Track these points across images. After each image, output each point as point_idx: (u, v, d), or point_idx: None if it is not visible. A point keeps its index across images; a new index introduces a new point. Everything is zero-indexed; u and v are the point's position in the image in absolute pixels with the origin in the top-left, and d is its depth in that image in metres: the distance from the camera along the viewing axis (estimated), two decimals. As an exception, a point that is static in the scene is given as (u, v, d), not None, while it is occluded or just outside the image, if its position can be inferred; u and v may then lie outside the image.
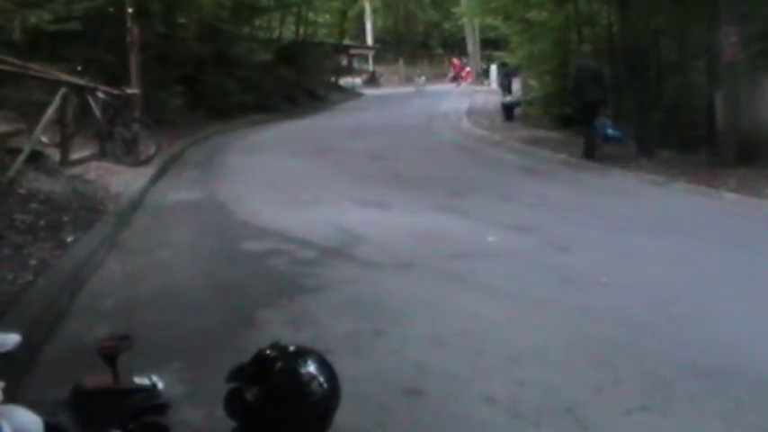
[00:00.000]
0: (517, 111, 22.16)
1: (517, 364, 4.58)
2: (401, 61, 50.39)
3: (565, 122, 15.88)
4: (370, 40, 48.34)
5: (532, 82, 23.08)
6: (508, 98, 23.00)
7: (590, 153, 13.75)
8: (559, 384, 4.25)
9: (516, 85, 24.43)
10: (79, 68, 13.26)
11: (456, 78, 44.32)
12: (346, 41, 42.34)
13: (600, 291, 6.03)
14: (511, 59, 24.75)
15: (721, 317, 5.35)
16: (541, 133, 18.14)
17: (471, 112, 24.83)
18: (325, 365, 1.98)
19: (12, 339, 2.46)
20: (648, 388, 4.17)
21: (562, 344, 4.91)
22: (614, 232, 8.27)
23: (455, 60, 46.21)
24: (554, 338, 4.99)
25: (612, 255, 7.23)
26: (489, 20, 26.62)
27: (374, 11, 50.26)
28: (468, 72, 45.17)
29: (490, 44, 37.94)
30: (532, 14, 20.53)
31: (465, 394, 4.19)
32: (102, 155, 12.45)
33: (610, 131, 13.91)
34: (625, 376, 4.33)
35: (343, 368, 2.01)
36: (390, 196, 10.52)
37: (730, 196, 10.27)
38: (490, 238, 7.93)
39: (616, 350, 4.72)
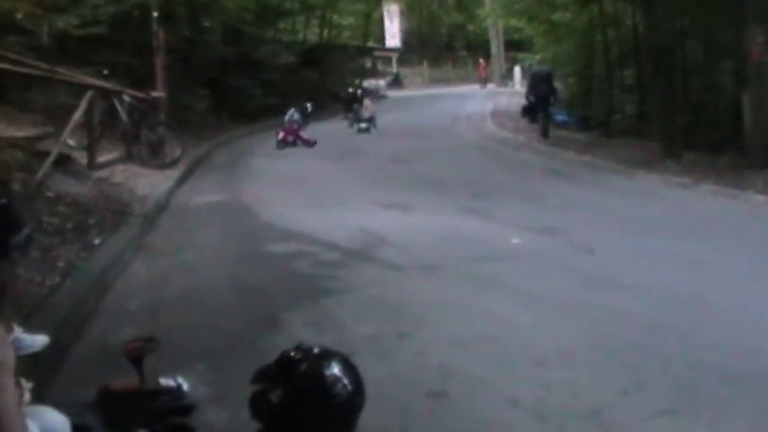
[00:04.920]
0: None
1: (541, 366, 4.56)
2: (425, 63, 50.36)
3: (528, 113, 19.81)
4: (388, 43, 48.25)
5: (557, 83, 22.99)
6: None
7: (545, 133, 17.95)
8: (584, 387, 4.22)
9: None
10: (105, 72, 13.37)
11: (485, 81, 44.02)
12: (370, 44, 42.37)
13: (625, 293, 5.98)
14: (534, 61, 24.68)
15: (749, 320, 5.29)
16: (565, 135, 18.06)
17: (495, 114, 24.77)
18: (349, 367, 1.99)
19: (40, 340, 2.51)
20: (675, 392, 4.14)
21: (587, 347, 4.88)
22: (640, 235, 8.20)
23: (482, 62, 46.09)
24: (578, 341, 4.97)
25: (638, 257, 7.17)
26: (513, 21, 26.53)
27: (401, 13, 50.13)
28: (483, 67, 45.14)
29: (514, 46, 37.85)
30: (557, 16, 20.48)
31: (489, 397, 4.18)
32: (128, 158, 12.55)
33: (559, 117, 19.60)
34: (651, 380, 4.30)
35: (367, 371, 2.02)
36: (414, 198, 10.52)
37: (758, 198, 10.16)
38: (514, 241, 7.90)
39: (641, 353, 4.69)
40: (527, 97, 19.29)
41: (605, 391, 4.16)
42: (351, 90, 26.26)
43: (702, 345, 4.81)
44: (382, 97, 35.64)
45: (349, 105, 23.94)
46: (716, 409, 3.95)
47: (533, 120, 21.56)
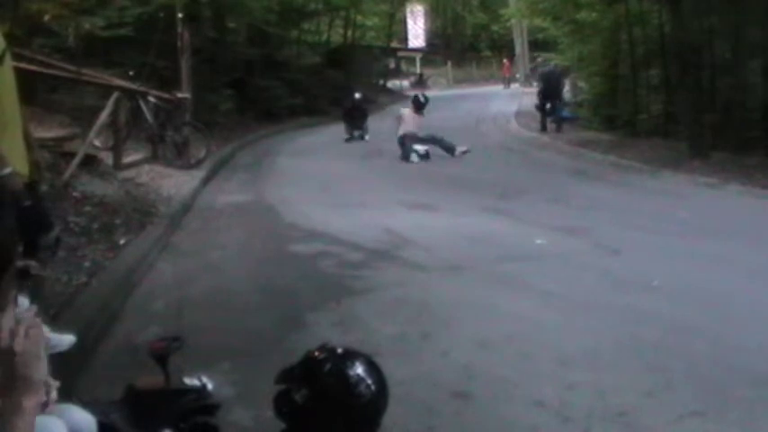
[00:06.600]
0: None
1: (566, 367, 4.52)
2: (449, 64, 50.30)
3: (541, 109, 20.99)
4: (412, 43, 48.28)
5: (582, 83, 22.86)
6: None
7: (544, 127, 19.93)
8: (610, 388, 4.18)
9: (565, 86, 24.27)
10: (131, 73, 13.49)
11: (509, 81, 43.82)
12: (394, 44, 42.37)
13: (651, 294, 5.93)
14: (560, 61, 24.56)
15: (777, 321, 5.22)
16: (591, 135, 17.95)
17: (519, 114, 24.69)
18: (373, 368, 1.99)
19: (67, 340, 2.52)
20: (702, 393, 4.09)
21: (612, 347, 4.84)
22: (666, 235, 8.13)
23: (506, 62, 45.96)
24: (604, 342, 4.93)
25: (664, 258, 7.10)
26: (538, 21, 26.41)
27: (425, 13, 50.16)
28: (507, 67, 44.97)
29: (539, 45, 37.65)
30: (582, 15, 20.36)
31: (514, 398, 4.15)
32: (153, 158, 12.64)
33: (564, 114, 20.56)
34: (677, 381, 4.25)
35: (391, 371, 2.01)
36: (438, 199, 10.50)
37: (786, 198, 10.03)
38: (539, 241, 7.86)
39: (668, 354, 4.64)
40: (538, 96, 20.80)
41: (631, 393, 4.12)
42: (357, 96, 19.67)
43: (730, 346, 4.75)
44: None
45: (352, 119, 18.93)
46: (744, 411, 3.89)
47: (544, 114, 21.66)
